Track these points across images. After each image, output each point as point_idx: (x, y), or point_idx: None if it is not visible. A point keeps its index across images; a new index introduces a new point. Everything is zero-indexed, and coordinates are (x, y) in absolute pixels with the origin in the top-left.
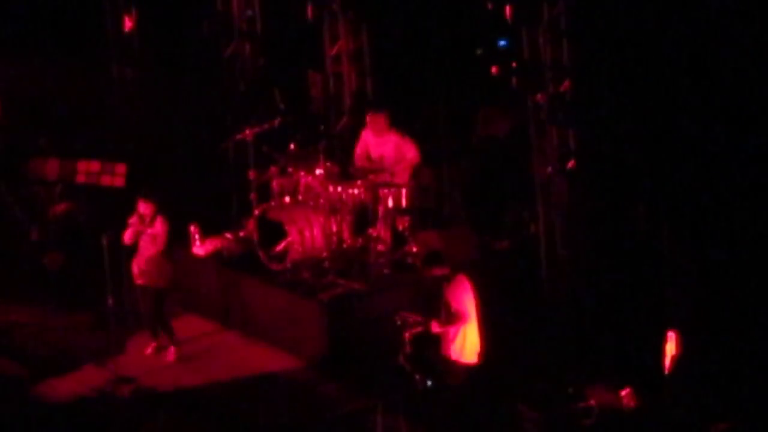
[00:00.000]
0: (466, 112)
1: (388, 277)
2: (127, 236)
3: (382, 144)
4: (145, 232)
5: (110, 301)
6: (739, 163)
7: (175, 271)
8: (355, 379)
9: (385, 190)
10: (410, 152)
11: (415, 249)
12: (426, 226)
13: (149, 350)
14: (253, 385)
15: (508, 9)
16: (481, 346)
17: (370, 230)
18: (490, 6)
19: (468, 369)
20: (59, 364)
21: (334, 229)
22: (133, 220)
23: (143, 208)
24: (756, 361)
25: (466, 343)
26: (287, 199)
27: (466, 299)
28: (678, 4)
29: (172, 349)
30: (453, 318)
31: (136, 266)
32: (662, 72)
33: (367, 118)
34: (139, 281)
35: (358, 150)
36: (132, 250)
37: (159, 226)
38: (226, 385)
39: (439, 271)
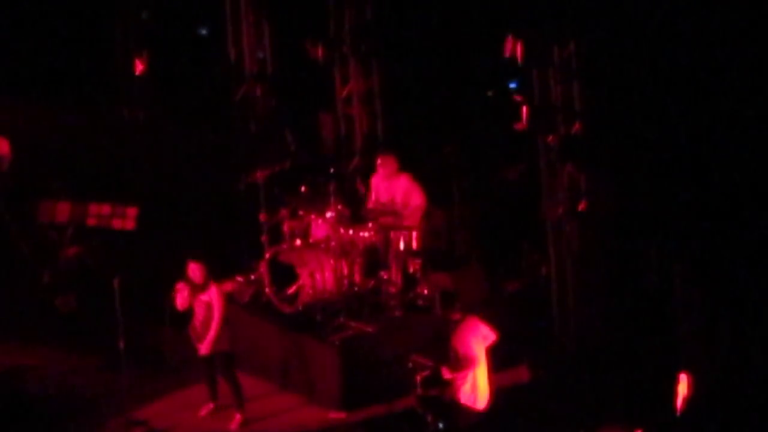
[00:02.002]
0: (477, 154)
1: (400, 319)
2: (180, 302)
3: (392, 187)
4: (198, 298)
5: (121, 344)
6: (751, 204)
7: (233, 330)
8: (367, 421)
9: (396, 233)
10: (417, 198)
11: (426, 291)
12: (437, 268)
13: (204, 412)
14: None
15: (519, 51)
16: (490, 390)
17: (382, 272)
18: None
19: (477, 413)
20: (71, 407)
21: (345, 271)
22: (181, 285)
23: (193, 271)
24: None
25: (476, 388)
26: (298, 241)
27: (474, 343)
28: (688, 45)
29: (238, 416)
30: (461, 363)
31: (193, 332)
32: (672, 114)
33: (378, 161)
34: (199, 346)
35: (373, 194)
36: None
37: (215, 296)
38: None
39: (451, 314)
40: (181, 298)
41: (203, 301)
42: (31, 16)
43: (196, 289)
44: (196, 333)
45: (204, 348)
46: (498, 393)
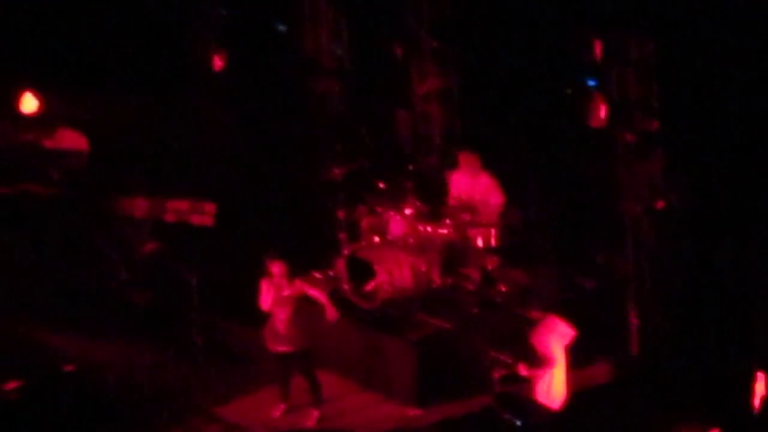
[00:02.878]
0: (554, 152)
1: (477, 316)
2: (267, 302)
3: (472, 185)
4: (281, 297)
5: (198, 340)
6: None
7: (313, 328)
8: (443, 419)
9: (474, 230)
10: (496, 197)
11: (504, 288)
12: (514, 265)
13: (278, 413)
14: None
15: (597, 49)
16: (567, 390)
17: (460, 270)
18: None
19: (552, 413)
20: (148, 403)
21: (423, 268)
22: (266, 283)
23: (276, 269)
24: None
25: (553, 387)
26: (376, 238)
27: (552, 342)
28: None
29: (315, 413)
30: (540, 362)
31: (270, 332)
32: (752, 109)
33: (460, 158)
34: (279, 347)
35: (453, 192)
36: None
37: (308, 290)
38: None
39: (530, 312)
40: (267, 297)
41: (289, 298)
42: (108, 13)
43: (281, 288)
44: (276, 333)
45: (282, 344)
46: (574, 392)
